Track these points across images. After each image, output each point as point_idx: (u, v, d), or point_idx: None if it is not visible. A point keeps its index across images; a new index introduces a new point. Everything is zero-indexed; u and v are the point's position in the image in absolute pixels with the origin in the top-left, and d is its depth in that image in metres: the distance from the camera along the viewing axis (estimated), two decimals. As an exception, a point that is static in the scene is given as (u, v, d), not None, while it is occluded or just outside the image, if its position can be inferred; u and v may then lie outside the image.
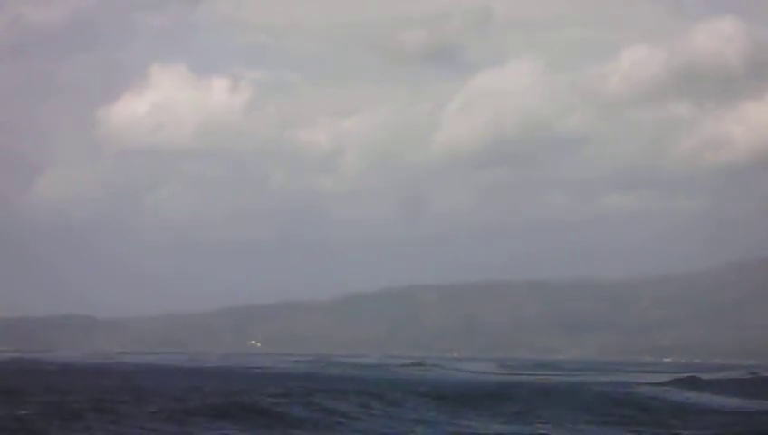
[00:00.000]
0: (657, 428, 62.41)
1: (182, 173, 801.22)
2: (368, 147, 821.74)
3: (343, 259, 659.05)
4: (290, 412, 59.31)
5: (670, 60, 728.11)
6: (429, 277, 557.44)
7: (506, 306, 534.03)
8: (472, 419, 64.10)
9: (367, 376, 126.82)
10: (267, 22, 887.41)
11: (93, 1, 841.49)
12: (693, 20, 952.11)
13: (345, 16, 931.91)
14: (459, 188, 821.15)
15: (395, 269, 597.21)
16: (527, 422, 63.47)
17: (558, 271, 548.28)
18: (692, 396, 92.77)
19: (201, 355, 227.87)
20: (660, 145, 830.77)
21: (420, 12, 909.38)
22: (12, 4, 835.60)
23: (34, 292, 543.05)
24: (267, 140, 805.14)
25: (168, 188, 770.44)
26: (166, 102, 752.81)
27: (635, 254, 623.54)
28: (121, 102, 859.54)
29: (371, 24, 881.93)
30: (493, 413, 67.44)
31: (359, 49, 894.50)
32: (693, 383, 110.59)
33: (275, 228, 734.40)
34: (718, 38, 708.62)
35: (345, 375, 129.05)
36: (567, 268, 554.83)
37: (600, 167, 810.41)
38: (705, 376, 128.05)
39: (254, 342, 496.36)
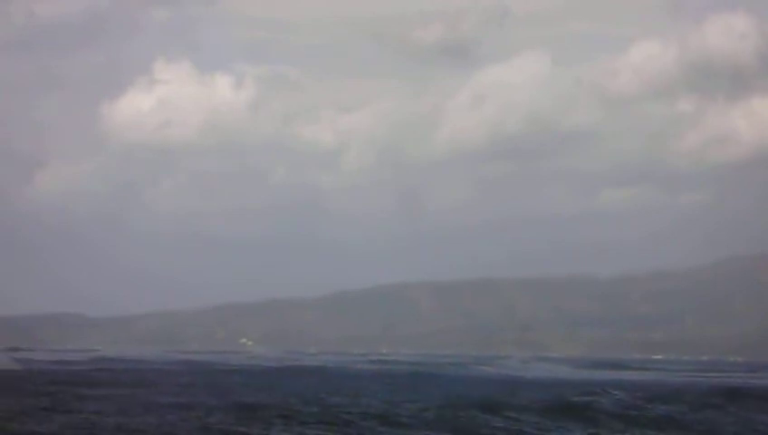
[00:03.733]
0: None
1: (183, 169, 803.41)
2: (371, 142, 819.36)
3: (339, 256, 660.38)
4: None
5: (679, 55, 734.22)
6: (424, 274, 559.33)
7: (500, 303, 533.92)
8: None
9: (492, 375, 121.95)
10: (271, 17, 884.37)
11: None
12: (703, 15, 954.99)
13: (350, 11, 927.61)
14: (460, 184, 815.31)
15: (391, 266, 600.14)
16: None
17: (553, 268, 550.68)
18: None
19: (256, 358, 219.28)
20: (665, 140, 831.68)
21: (429, 6, 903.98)
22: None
23: (26, 289, 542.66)
24: (270, 135, 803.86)
25: (168, 185, 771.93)
26: (169, 98, 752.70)
27: (633, 250, 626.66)
28: (125, 98, 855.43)
29: (377, 18, 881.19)
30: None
31: (364, 44, 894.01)
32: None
33: (274, 225, 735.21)
34: (728, 33, 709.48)
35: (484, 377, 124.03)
36: (563, 265, 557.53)
37: (604, 162, 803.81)
38: None
39: (245, 340, 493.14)
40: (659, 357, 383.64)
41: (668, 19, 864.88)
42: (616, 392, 77.74)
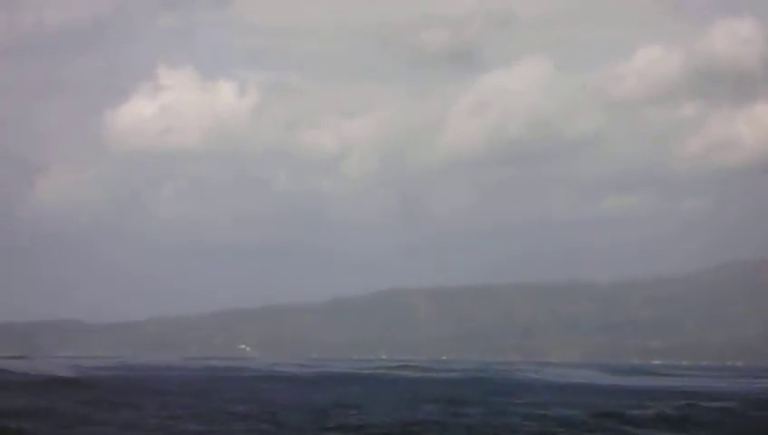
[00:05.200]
0: None
1: (185, 176, 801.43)
2: (373, 148, 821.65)
3: (339, 262, 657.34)
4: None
5: (683, 60, 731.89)
6: (424, 280, 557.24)
7: (499, 308, 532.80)
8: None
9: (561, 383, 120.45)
10: (275, 23, 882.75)
11: (100, 3, 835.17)
12: (708, 20, 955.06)
13: (354, 18, 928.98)
14: (462, 189, 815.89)
15: (390, 272, 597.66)
16: None
17: (553, 273, 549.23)
18: None
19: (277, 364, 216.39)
20: (668, 146, 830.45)
21: (433, 12, 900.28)
22: (15, 5, 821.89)
23: (25, 295, 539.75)
24: (272, 142, 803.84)
25: (169, 191, 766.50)
26: (172, 104, 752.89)
27: (633, 255, 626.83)
28: (127, 104, 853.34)
29: (380, 25, 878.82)
30: None
31: (367, 50, 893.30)
32: None
33: (275, 231, 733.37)
34: (733, 38, 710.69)
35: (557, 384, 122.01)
36: (563, 270, 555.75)
37: (606, 168, 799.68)
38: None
39: (243, 346, 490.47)
40: (659, 362, 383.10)
41: (673, 24, 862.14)
42: (703, 402, 76.45)
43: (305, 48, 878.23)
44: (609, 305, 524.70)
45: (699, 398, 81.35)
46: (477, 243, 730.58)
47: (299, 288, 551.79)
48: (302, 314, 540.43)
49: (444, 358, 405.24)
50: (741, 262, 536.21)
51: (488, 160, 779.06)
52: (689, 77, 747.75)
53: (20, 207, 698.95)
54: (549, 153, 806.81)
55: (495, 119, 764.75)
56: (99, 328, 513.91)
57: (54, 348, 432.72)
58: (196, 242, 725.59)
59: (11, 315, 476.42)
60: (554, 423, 57.31)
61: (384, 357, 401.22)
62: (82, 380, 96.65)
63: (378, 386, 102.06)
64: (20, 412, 56.03)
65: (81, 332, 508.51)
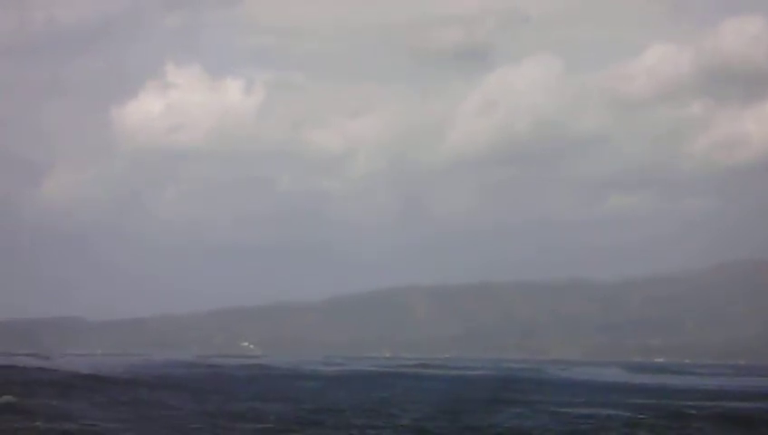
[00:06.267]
0: None
1: (190, 174, 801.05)
2: (379, 148, 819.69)
3: (341, 260, 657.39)
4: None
5: (691, 59, 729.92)
6: (426, 279, 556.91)
7: (500, 307, 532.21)
8: None
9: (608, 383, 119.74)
10: (283, 22, 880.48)
11: (108, 2, 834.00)
12: (717, 19, 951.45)
13: (362, 17, 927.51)
14: (466, 189, 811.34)
15: (392, 270, 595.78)
16: None
17: (554, 272, 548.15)
18: None
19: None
20: (675, 145, 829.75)
21: (441, 11, 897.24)
22: (25, 4, 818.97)
23: (26, 293, 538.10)
24: (278, 141, 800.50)
25: (174, 190, 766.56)
26: (179, 103, 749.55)
27: (634, 254, 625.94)
28: (134, 103, 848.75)
29: (387, 24, 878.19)
30: None
31: (374, 50, 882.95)
32: None
33: (277, 231, 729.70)
34: (743, 37, 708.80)
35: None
36: (564, 269, 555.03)
37: (611, 167, 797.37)
38: None
39: (246, 343, 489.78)
40: (660, 361, 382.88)
41: (681, 23, 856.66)
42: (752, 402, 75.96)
43: (312, 47, 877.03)
44: (609, 305, 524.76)
45: (745, 397, 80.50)
46: (478, 242, 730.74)
47: (300, 287, 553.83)
48: (303, 313, 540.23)
49: (446, 356, 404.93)
50: (742, 261, 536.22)
51: (493, 160, 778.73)
52: (698, 76, 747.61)
53: (25, 206, 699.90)
54: (555, 153, 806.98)
55: (502, 118, 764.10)
56: (100, 326, 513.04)
57: (55, 346, 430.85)
58: (198, 241, 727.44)
59: (12, 313, 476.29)
60: (629, 426, 55.99)
61: (387, 355, 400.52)
62: (122, 378, 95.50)
63: (417, 384, 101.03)
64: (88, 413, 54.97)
65: (82, 330, 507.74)
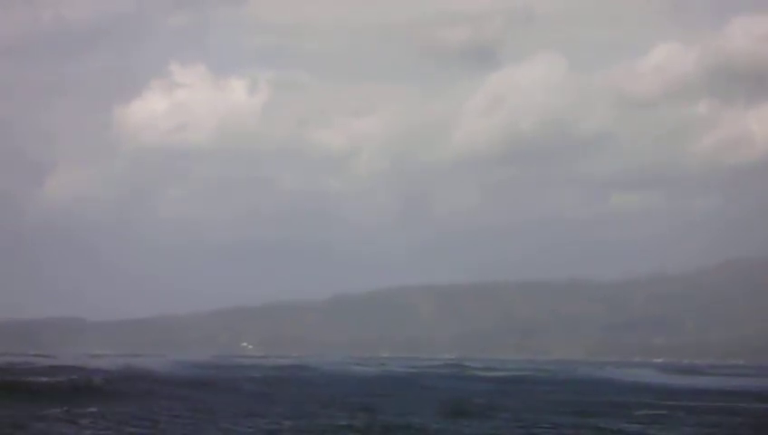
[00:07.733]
0: None
1: (194, 174, 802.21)
2: (383, 146, 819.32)
3: (340, 260, 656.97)
4: None
5: (697, 58, 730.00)
6: (425, 278, 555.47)
7: (500, 307, 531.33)
8: None
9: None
10: (287, 21, 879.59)
11: (114, 1, 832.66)
12: (723, 17, 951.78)
13: (366, 16, 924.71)
14: (470, 188, 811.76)
15: (392, 270, 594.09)
16: None
17: (555, 272, 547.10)
18: None
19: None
20: (679, 145, 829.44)
21: (447, 9, 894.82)
22: (31, 3, 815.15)
23: (27, 293, 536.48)
24: (282, 140, 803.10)
25: (178, 189, 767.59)
26: (184, 102, 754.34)
27: (636, 253, 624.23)
28: (139, 102, 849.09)
29: (393, 22, 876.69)
30: None
31: (379, 48, 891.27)
32: None
33: (278, 230, 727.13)
34: (749, 36, 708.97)
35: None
36: (565, 269, 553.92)
37: (615, 166, 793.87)
38: None
39: (246, 344, 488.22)
40: (660, 360, 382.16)
41: (688, 22, 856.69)
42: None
43: (316, 46, 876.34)
44: (610, 304, 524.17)
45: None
46: (480, 242, 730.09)
47: (301, 286, 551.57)
48: (304, 312, 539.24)
49: (448, 356, 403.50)
50: (744, 259, 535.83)
51: (497, 159, 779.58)
52: (703, 75, 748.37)
53: (27, 205, 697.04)
54: (559, 151, 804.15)
55: (506, 117, 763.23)
56: (101, 326, 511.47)
57: (56, 346, 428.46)
58: (200, 240, 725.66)
59: (12, 313, 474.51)
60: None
61: (386, 355, 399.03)
62: (186, 380, 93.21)
63: (515, 387, 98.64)
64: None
65: (83, 330, 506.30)
